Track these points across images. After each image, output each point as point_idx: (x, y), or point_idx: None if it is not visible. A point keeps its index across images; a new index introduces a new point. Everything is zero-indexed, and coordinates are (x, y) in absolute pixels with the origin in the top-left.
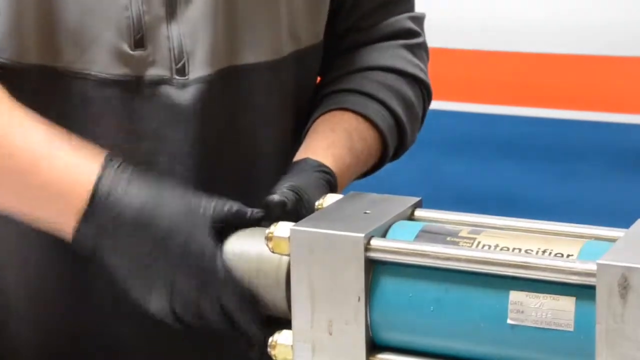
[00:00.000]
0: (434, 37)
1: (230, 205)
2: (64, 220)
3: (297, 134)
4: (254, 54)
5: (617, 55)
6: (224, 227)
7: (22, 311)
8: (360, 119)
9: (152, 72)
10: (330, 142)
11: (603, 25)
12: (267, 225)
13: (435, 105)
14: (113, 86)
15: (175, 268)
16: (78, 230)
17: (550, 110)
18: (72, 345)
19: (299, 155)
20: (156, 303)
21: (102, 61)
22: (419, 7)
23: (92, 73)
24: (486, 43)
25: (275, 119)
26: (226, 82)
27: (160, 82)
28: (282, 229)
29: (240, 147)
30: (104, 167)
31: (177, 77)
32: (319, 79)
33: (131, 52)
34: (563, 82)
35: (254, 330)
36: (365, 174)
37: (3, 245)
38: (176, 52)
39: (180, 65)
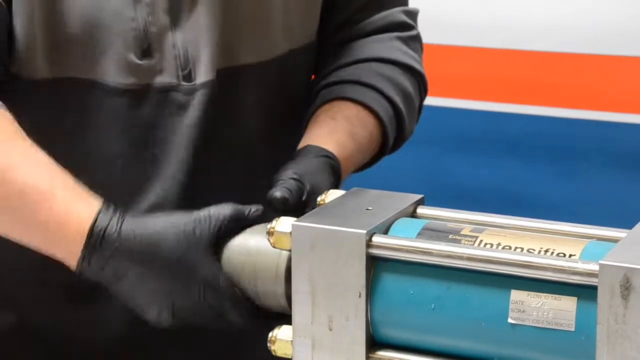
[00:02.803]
0: (439, 34)
1: (226, 211)
2: (65, 260)
3: (292, 128)
4: (250, 54)
5: (622, 55)
6: (226, 232)
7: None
8: (360, 107)
9: (160, 80)
10: (331, 128)
11: (609, 25)
12: (271, 219)
13: (439, 102)
14: (122, 95)
15: (176, 289)
16: (80, 269)
17: (555, 109)
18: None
19: (301, 145)
20: (160, 318)
21: (110, 72)
22: (427, 4)
23: (102, 82)
24: (491, 41)
25: (270, 116)
26: (225, 82)
27: (168, 89)
28: (284, 224)
29: (239, 144)
30: (99, 211)
31: (184, 84)
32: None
33: (139, 61)
34: (568, 80)
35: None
36: (366, 165)
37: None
38: (182, 59)
39: (186, 71)
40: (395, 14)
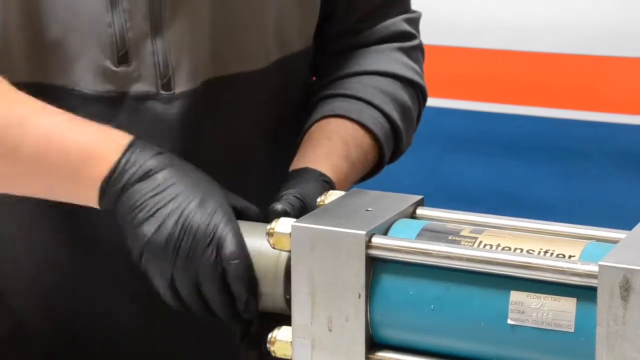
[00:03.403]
0: (438, 34)
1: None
2: (89, 188)
3: (286, 137)
4: (239, 63)
5: (622, 56)
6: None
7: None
8: (356, 126)
9: (137, 88)
10: (327, 150)
11: (609, 26)
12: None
13: (438, 103)
14: (98, 102)
15: (190, 232)
16: (103, 191)
17: (555, 109)
18: (72, 339)
19: (296, 164)
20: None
21: (86, 78)
22: (426, 5)
23: (77, 89)
24: (491, 41)
25: (262, 125)
26: (212, 92)
27: (145, 97)
28: (284, 224)
29: (228, 155)
30: (129, 144)
31: (163, 92)
32: (313, 78)
33: (115, 68)
34: (568, 81)
35: (251, 309)
36: (362, 180)
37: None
38: (161, 67)
39: (165, 80)
40: (398, 23)
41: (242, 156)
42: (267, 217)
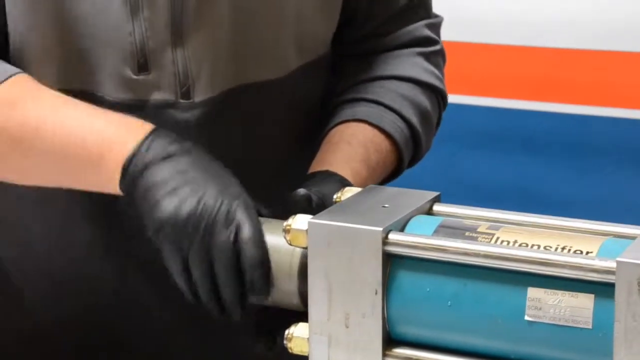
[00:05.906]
0: (454, 31)
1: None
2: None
3: (307, 142)
4: (259, 72)
5: (639, 51)
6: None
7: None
8: (375, 131)
9: (157, 96)
10: (347, 155)
11: (628, 21)
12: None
13: (454, 99)
14: (120, 109)
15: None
16: (123, 178)
17: (572, 106)
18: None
19: (315, 167)
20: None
21: (107, 85)
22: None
23: (99, 95)
24: (507, 38)
25: (282, 131)
26: (232, 101)
27: (165, 105)
28: (300, 221)
29: (248, 161)
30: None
31: (182, 101)
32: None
33: (134, 77)
34: (585, 77)
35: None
36: (380, 184)
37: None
38: (181, 76)
39: (185, 89)
40: (419, 29)
41: (261, 162)
42: (287, 204)
